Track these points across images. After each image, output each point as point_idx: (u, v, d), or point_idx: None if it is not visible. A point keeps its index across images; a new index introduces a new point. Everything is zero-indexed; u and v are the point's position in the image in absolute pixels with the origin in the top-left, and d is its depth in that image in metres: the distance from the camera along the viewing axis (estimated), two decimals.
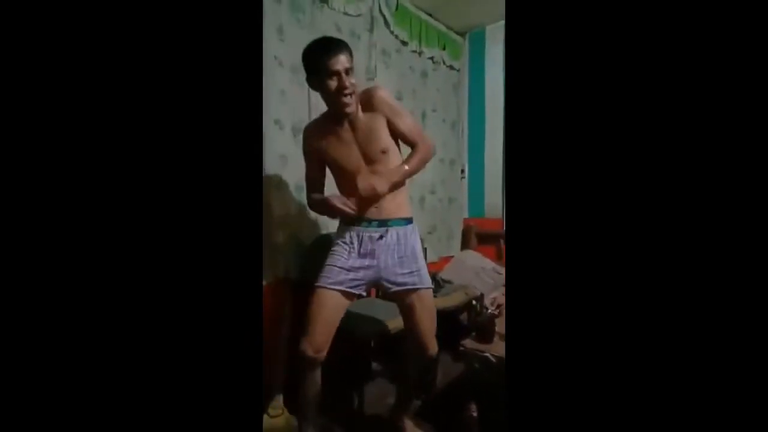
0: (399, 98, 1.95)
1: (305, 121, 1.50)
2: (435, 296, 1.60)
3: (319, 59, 1.01)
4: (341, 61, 1.01)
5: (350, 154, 1.11)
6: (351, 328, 1.32)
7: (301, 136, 1.48)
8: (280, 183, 1.42)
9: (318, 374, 1.09)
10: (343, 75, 1.02)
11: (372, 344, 1.45)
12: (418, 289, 1.12)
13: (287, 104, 1.45)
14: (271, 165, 1.40)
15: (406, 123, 1.14)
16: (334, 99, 1.04)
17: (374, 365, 1.69)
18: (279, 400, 1.30)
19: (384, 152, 1.11)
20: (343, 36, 1.66)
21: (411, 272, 1.12)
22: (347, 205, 1.06)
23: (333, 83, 1.02)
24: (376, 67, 1.82)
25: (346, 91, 1.03)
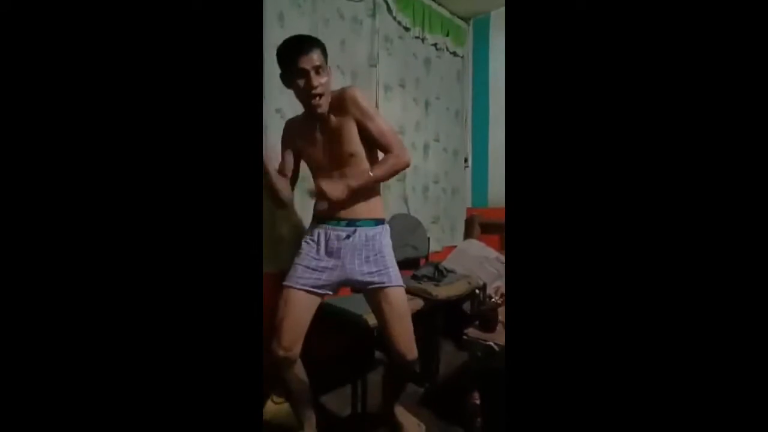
0: (402, 86, 1.93)
1: None
2: (438, 285, 1.61)
3: (289, 57, 0.99)
4: (311, 60, 0.98)
5: (319, 155, 1.10)
6: (355, 319, 1.33)
7: None
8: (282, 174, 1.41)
9: (297, 370, 1.08)
10: (312, 74, 0.99)
11: (375, 334, 1.45)
12: (385, 287, 1.07)
13: (288, 93, 1.43)
14: (273, 155, 1.39)
15: (378, 126, 1.06)
16: (304, 98, 1.03)
17: (377, 354, 1.71)
18: None
19: (352, 155, 1.07)
20: (345, 22, 1.63)
21: (378, 271, 1.08)
22: (282, 187, 1.09)
23: (301, 82, 1.00)
24: (378, 54, 1.79)
25: (314, 92, 1.00)
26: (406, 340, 1.07)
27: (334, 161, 1.08)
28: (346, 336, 1.38)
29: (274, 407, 1.28)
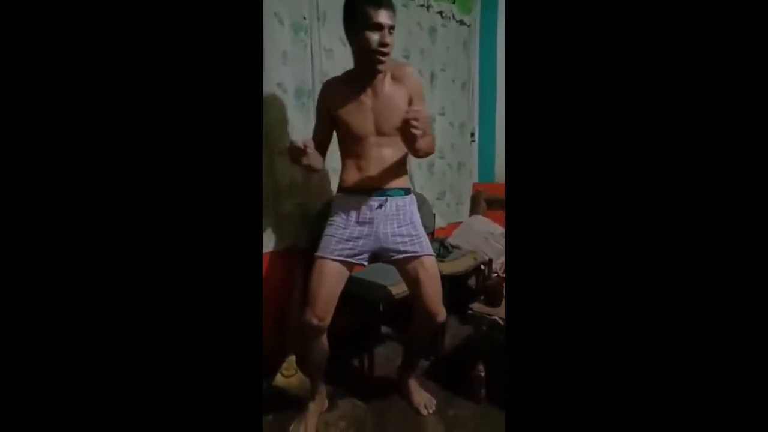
0: (406, 57, 1.86)
1: (309, 84, 1.45)
2: (443, 261, 1.62)
3: (366, 9, 0.98)
4: (389, 17, 1.00)
5: (364, 120, 1.09)
6: (361, 293, 1.34)
7: (305, 99, 1.44)
8: (284, 150, 1.39)
9: (324, 339, 1.12)
10: (387, 31, 1.00)
11: (381, 308, 1.47)
12: (420, 256, 1.13)
13: (289, 66, 1.39)
14: (274, 131, 1.36)
15: (424, 108, 1.15)
16: (369, 54, 1.02)
17: (384, 329, 1.74)
18: (292, 361, 1.35)
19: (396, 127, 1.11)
20: None
21: (411, 240, 1.13)
22: (313, 161, 1.00)
23: (375, 37, 0.99)
24: None
25: (385, 49, 1.01)
26: (438, 302, 1.15)
27: (379, 129, 1.10)
28: (353, 310, 1.39)
29: (284, 380, 1.32)
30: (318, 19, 1.45)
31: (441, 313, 1.16)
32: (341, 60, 1.43)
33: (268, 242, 1.40)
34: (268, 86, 1.33)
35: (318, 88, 1.45)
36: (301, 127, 1.43)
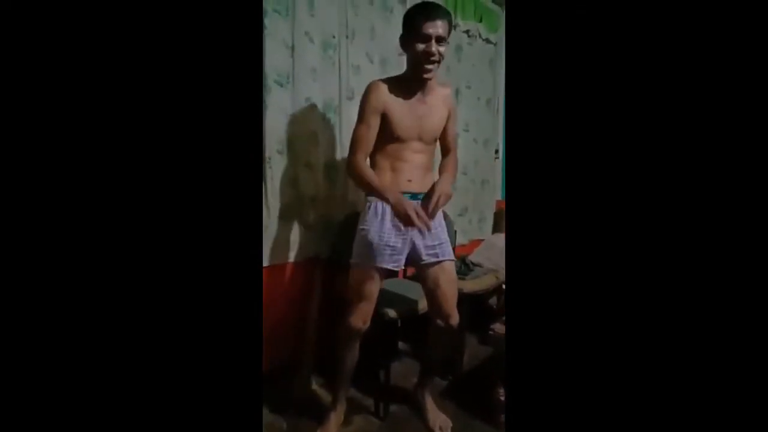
0: None
1: (336, 100, 1.49)
2: (464, 279, 1.59)
3: (416, 20, 1.04)
4: (436, 26, 1.02)
5: (411, 124, 1.12)
6: (379, 307, 1.33)
7: (331, 114, 1.48)
8: (310, 162, 1.42)
9: (358, 344, 1.16)
10: (433, 41, 1.03)
11: (399, 324, 1.45)
12: (442, 261, 1.17)
13: (318, 81, 1.43)
14: (301, 144, 1.40)
15: (455, 129, 1.25)
16: (417, 62, 1.06)
17: (401, 345, 1.71)
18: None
19: (435, 139, 1.17)
20: (374, 9, 1.61)
21: (440, 244, 1.16)
22: (422, 219, 0.99)
23: (421, 47, 1.04)
24: None
25: (432, 58, 1.05)
26: (453, 305, 1.18)
27: (422, 136, 1.14)
28: (372, 324, 1.38)
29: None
30: (347, 37, 1.50)
31: (454, 316, 1.18)
32: (368, 76, 1.46)
33: (292, 252, 1.43)
34: (298, 101, 1.37)
35: (345, 103, 1.50)
36: (327, 140, 1.46)
